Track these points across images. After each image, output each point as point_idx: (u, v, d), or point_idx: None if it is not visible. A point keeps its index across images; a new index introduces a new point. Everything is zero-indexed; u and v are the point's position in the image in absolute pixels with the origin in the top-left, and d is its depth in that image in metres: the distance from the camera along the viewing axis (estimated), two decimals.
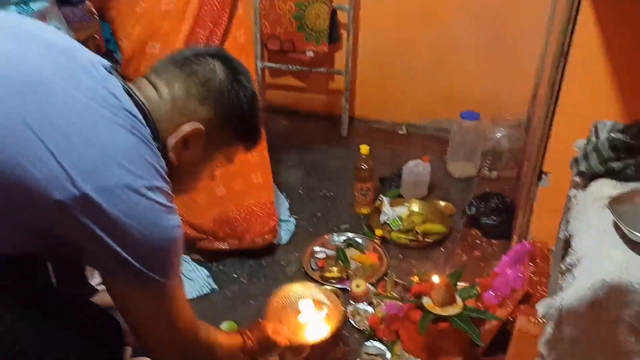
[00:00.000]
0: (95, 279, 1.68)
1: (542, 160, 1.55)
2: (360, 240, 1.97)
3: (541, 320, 1.38)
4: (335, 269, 1.80)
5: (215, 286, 1.76)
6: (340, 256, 1.87)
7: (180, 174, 0.88)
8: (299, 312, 1.35)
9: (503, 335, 1.49)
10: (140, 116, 0.80)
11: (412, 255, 1.94)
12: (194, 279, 1.77)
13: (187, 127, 0.85)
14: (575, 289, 0.54)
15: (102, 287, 1.66)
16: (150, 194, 0.76)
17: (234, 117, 0.90)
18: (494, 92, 2.64)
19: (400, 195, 2.25)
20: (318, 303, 1.37)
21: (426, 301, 1.48)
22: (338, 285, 1.74)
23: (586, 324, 0.54)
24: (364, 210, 2.17)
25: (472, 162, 2.43)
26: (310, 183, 2.40)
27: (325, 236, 1.98)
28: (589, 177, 0.70)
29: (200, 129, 0.86)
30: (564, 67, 1.42)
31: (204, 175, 0.97)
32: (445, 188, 2.36)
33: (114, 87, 0.79)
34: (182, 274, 1.79)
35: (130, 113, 0.78)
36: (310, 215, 2.17)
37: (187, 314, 0.91)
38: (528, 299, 1.41)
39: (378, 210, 2.13)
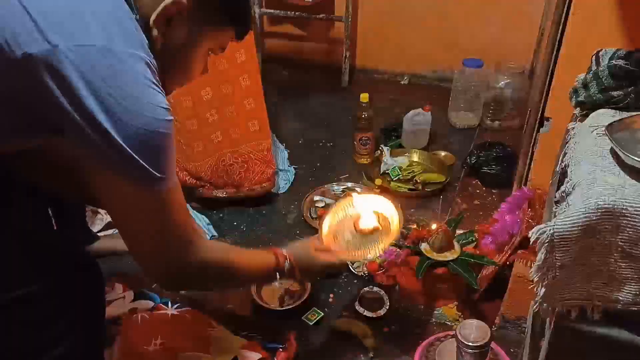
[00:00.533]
0: (96, 226, 1.69)
1: (544, 105, 1.52)
2: (359, 190, 1.96)
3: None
4: None
5: (215, 233, 1.77)
6: None
7: (167, 60, 0.80)
8: (356, 226, 1.22)
9: (500, 281, 1.50)
10: None
11: (411, 204, 1.93)
12: None
13: (167, 1, 0.77)
14: (568, 214, 0.53)
15: (102, 234, 1.68)
16: (131, 61, 0.69)
17: None
18: (497, 39, 2.58)
19: (401, 146, 2.23)
20: (377, 215, 1.24)
21: (424, 247, 1.49)
22: None
23: (579, 249, 0.53)
24: (364, 160, 2.15)
25: (474, 112, 2.39)
26: (310, 133, 2.38)
27: (325, 185, 1.98)
28: (588, 108, 0.68)
29: (181, 2, 0.78)
30: (567, 12, 1.37)
31: (195, 66, 0.89)
32: (446, 138, 2.34)
33: None
34: None
35: None
36: (310, 165, 2.16)
37: (184, 224, 0.82)
38: (526, 244, 1.40)
39: (378, 160, 2.11)
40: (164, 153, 0.75)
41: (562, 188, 0.58)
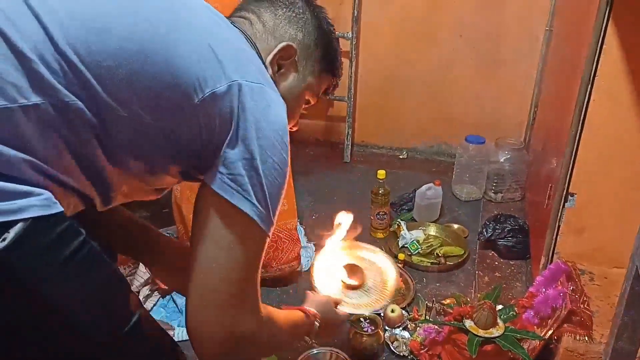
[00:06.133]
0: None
1: (569, 181, 1.60)
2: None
3: (587, 339, 1.42)
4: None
5: None
6: None
7: None
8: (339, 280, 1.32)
9: (543, 355, 1.51)
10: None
11: (434, 278, 1.95)
12: None
13: (282, 44, 0.88)
14: None
15: None
16: (278, 101, 0.77)
17: (320, 40, 0.92)
18: (491, 114, 2.74)
19: (413, 219, 2.27)
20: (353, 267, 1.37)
21: (469, 324, 1.49)
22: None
23: None
24: (380, 235, 2.17)
25: (477, 185, 2.48)
26: (321, 208, 2.39)
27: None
28: None
29: (292, 46, 0.88)
30: (589, 98, 1.48)
31: (296, 112, 0.96)
32: (454, 211, 2.40)
33: (217, 13, 0.83)
34: None
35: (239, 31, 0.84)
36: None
37: (258, 281, 0.82)
38: (570, 318, 1.43)
39: (394, 234, 2.14)
40: (281, 196, 0.79)
41: None
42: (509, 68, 2.64)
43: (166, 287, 1.75)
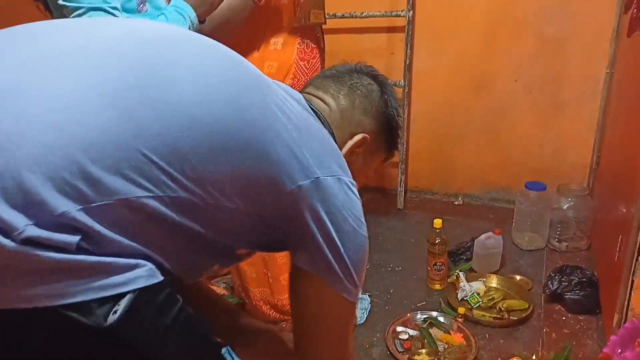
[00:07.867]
0: None
1: None
2: (442, 319, 1.89)
3: None
4: (424, 351, 1.71)
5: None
6: (425, 336, 1.79)
7: None
8: None
9: None
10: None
11: (497, 334, 1.85)
12: None
13: (358, 137, 0.91)
14: None
15: None
16: (354, 190, 0.80)
17: (388, 127, 0.96)
18: (551, 159, 2.65)
19: (471, 269, 2.19)
20: None
21: None
22: None
23: None
24: (438, 286, 2.10)
25: (539, 234, 2.38)
26: (375, 257, 2.35)
27: (408, 315, 1.91)
28: None
29: (366, 137, 0.92)
30: None
31: (359, 186, 0.99)
32: (515, 261, 2.30)
33: (298, 96, 0.85)
34: None
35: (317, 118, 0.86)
36: (383, 292, 2.10)
37: (351, 340, 0.90)
38: None
39: (452, 286, 2.07)
40: (365, 268, 0.85)
41: None
42: (569, 112, 2.57)
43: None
